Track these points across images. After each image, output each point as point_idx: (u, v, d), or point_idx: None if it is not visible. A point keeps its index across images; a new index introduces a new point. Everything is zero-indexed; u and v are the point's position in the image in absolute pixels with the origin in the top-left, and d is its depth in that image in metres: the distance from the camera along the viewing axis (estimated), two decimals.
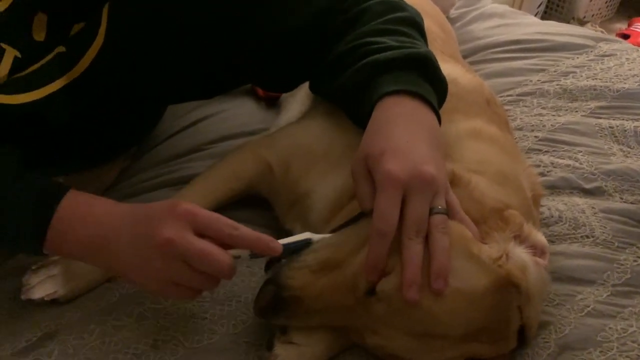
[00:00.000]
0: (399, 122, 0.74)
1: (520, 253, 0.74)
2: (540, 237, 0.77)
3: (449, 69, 1.02)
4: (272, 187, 0.97)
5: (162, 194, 1.04)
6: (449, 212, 0.72)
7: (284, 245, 0.72)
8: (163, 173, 1.11)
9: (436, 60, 0.83)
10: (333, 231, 0.77)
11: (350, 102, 0.87)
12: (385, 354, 0.73)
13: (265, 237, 0.71)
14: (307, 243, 0.74)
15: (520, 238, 0.75)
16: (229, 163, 1.00)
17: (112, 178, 1.12)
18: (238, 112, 1.30)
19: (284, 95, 1.32)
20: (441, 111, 0.81)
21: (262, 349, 0.76)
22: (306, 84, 1.17)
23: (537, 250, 0.75)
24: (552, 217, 0.99)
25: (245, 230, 0.70)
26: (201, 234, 0.69)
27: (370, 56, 0.82)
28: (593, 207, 1.00)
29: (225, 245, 0.70)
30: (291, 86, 1.06)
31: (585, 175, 1.07)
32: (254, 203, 1.01)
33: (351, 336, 0.75)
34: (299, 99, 1.25)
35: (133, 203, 0.76)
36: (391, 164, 0.69)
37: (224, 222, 0.70)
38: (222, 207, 0.98)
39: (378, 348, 0.73)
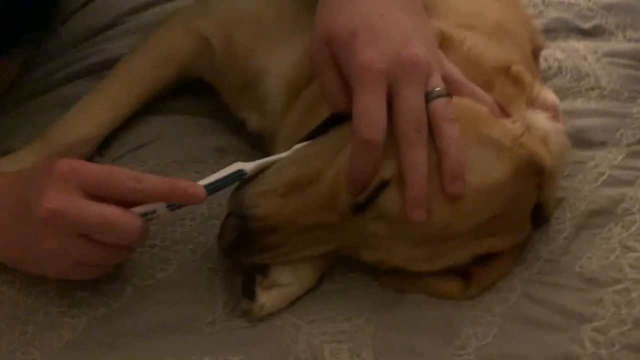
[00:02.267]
0: None
1: (540, 121, 0.61)
2: (550, 94, 0.64)
3: None
4: (213, 68, 0.79)
5: (79, 87, 0.86)
6: (452, 88, 0.57)
7: (209, 185, 0.57)
8: (75, 59, 0.92)
9: None
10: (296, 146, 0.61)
11: None
12: (385, 267, 0.61)
13: (182, 183, 0.55)
14: (239, 176, 0.58)
15: (531, 100, 0.62)
16: (156, 42, 0.82)
17: (12, 75, 0.93)
18: None
19: None
20: None
21: (238, 297, 0.62)
22: None
23: (549, 112, 0.63)
24: (550, 68, 0.85)
25: (151, 180, 0.54)
26: (95, 196, 0.53)
27: None
28: (595, 52, 0.87)
29: (128, 204, 0.54)
30: None
31: (582, 12, 0.93)
32: (194, 89, 0.83)
33: (340, 252, 0.62)
34: None
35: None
36: (367, 52, 0.54)
37: (122, 175, 0.54)
38: (155, 98, 0.81)
39: (377, 263, 0.61)
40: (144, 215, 0.56)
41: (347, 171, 0.55)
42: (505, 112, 0.61)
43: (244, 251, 0.58)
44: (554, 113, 0.63)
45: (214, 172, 0.75)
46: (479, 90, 0.60)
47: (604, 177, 0.72)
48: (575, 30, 0.90)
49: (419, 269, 0.60)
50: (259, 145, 0.79)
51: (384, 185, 0.55)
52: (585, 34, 0.90)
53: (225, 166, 0.75)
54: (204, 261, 0.66)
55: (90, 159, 0.75)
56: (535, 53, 0.77)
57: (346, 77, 0.56)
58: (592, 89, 0.82)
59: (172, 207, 0.56)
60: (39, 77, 0.91)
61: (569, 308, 0.61)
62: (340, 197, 0.57)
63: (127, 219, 0.53)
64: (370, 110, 0.53)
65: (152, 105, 0.81)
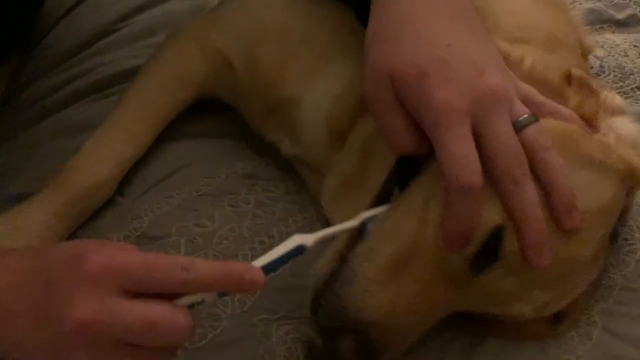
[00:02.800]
0: (425, 11, 0.52)
1: (624, 126, 0.57)
2: (616, 97, 0.60)
3: None
4: (235, 88, 0.72)
5: (85, 108, 0.78)
6: (532, 110, 0.52)
7: (267, 266, 0.47)
8: (73, 76, 0.83)
9: None
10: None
11: None
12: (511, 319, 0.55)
13: (237, 268, 0.46)
14: (299, 251, 0.49)
15: (604, 106, 0.58)
16: (167, 63, 0.74)
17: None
18: None
19: None
20: None
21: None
22: None
23: (624, 114, 0.60)
24: (592, 67, 0.79)
25: (202, 267, 0.44)
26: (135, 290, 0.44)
27: None
28: (636, 46, 0.82)
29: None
30: None
31: (615, 1, 0.88)
32: (205, 108, 0.75)
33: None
34: None
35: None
36: (443, 91, 0.48)
37: (167, 266, 0.44)
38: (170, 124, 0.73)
39: (516, 318, 0.55)
40: (191, 306, 0.46)
41: (443, 226, 0.49)
42: (589, 124, 0.56)
43: None
44: (625, 115, 0.59)
45: (247, 203, 0.71)
46: (560, 108, 0.55)
47: None
48: (609, 22, 0.86)
49: (549, 313, 0.55)
50: (289, 169, 0.73)
51: (497, 232, 0.50)
52: (620, 24, 0.86)
53: (258, 195, 0.71)
54: (256, 312, 0.60)
55: (110, 200, 0.68)
56: (585, 56, 0.72)
57: (419, 120, 0.50)
58: (639, 88, 0.78)
59: (223, 295, 0.47)
60: (30, 100, 0.82)
61: None
62: (452, 258, 0.51)
63: (174, 316, 0.43)
64: (462, 153, 0.48)
65: (165, 131, 0.73)
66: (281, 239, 0.64)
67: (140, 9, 0.90)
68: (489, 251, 0.50)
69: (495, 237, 0.50)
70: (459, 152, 0.48)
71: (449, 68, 0.49)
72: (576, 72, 0.59)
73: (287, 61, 0.67)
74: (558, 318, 0.57)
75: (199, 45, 0.72)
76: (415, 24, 0.52)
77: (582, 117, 0.56)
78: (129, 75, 0.78)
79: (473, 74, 0.50)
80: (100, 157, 0.68)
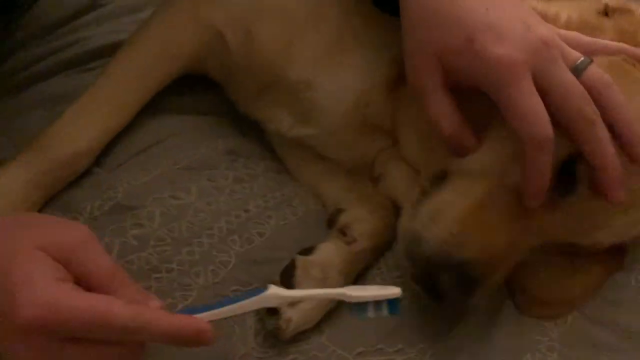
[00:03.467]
0: None
1: None
2: None
3: None
4: (225, 66, 0.70)
5: (64, 81, 0.77)
6: (584, 51, 0.53)
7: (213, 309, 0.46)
8: (56, 48, 0.81)
9: None
10: None
11: None
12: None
13: (189, 323, 0.44)
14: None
15: None
16: (157, 35, 0.71)
17: None
18: None
19: None
20: None
21: (264, 318, 0.56)
22: None
23: None
24: None
25: (149, 316, 0.43)
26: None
27: None
28: None
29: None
30: None
31: None
32: (190, 83, 0.74)
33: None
34: None
35: None
36: (498, 48, 0.50)
37: (109, 317, 0.42)
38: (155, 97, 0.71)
39: (595, 247, 0.57)
40: None
41: (526, 182, 0.51)
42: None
43: (473, 297, 0.52)
44: None
45: (225, 178, 0.70)
46: (607, 42, 0.56)
47: None
48: None
49: (628, 238, 0.57)
50: (271, 149, 0.73)
51: (572, 162, 0.52)
52: None
53: (237, 171, 0.70)
54: (227, 284, 0.60)
55: (87, 170, 0.66)
56: None
57: (478, 84, 0.51)
58: None
59: None
60: (12, 69, 0.80)
61: (627, 328, 0.58)
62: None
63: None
64: (532, 108, 0.49)
65: (150, 103, 0.72)
66: (258, 214, 0.66)
67: None
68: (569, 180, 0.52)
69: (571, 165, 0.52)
70: (529, 107, 0.49)
71: (496, 28, 0.50)
72: (611, 2, 0.59)
73: (292, 42, 0.65)
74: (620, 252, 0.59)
75: (191, 17, 0.70)
76: (448, 1, 0.52)
77: (627, 41, 0.57)
78: (112, 49, 0.76)
79: (520, 29, 0.50)
80: (82, 126, 0.66)
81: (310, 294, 0.51)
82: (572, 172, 0.52)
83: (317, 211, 0.68)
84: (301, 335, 0.57)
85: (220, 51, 0.69)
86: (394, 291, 0.47)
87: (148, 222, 0.63)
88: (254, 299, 0.46)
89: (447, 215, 0.52)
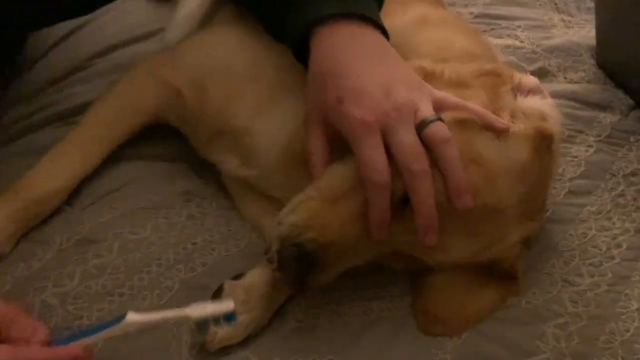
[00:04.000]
0: (344, 55, 0.65)
1: (533, 103, 0.68)
2: (530, 78, 0.71)
3: None
4: (183, 117, 0.81)
5: (48, 134, 0.88)
6: (447, 109, 0.64)
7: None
8: (43, 106, 0.94)
9: None
10: None
11: (266, 19, 0.74)
12: (446, 266, 0.67)
13: (64, 351, 0.57)
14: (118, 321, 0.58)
15: (516, 88, 0.69)
16: (124, 92, 0.83)
17: None
18: (124, 11, 1.10)
19: None
20: None
21: (194, 333, 0.66)
22: None
23: (536, 93, 0.70)
24: None
25: (27, 354, 0.56)
26: None
27: None
28: None
29: None
30: None
31: (528, 55, 0.99)
32: (159, 132, 0.85)
33: (395, 263, 0.68)
34: None
35: None
36: (356, 111, 0.61)
37: None
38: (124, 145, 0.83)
39: (439, 266, 0.66)
40: None
41: (369, 218, 0.60)
42: (496, 106, 0.67)
43: (312, 276, 0.61)
44: (540, 92, 0.70)
45: (179, 216, 0.80)
46: (466, 103, 0.65)
47: (547, 214, 0.77)
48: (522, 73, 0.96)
49: (479, 259, 0.65)
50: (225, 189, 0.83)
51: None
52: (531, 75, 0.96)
53: (190, 210, 0.80)
54: (170, 306, 0.69)
55: (59, 209, 0.77)
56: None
57: (344, 138, 0.62)
58: None
59: None
60: (5, 125, 0.92)
61: (514, 343, 0.66)
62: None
63: None
64: (373, 158, 0.60)
65: (118, 151, 0.83)
66: (204, 246, 0.76)
67: (112, 49, 1.02)
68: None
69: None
70: (371, 158, 0.60)
71: (360, 93, 0.62)
72: (489, 65, 0.71)
73: (235, 96, 0.77)
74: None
75: (152, 77, 0.82)
76: (335, 66, 0.64)
77: (493, 101, 0.67)
78: None
79: (380, 94, 0.62)
80: (55, 171, 0.77)
81: (157, 317, 0.59)
82: None
83: (258, 244, 0.77)
84: (229, 349, 0.66)
85: (178, 104, 0.80)
86: (229, 305, 0.59)
87: (107, 253, 0.73)
88: (116, 326, 0.58)
89: (302, 206, 0.62)
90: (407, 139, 0.60)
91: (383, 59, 0.66)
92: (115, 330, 0.57)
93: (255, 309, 0.66)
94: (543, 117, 0.67)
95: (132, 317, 0.57)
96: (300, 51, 0.69)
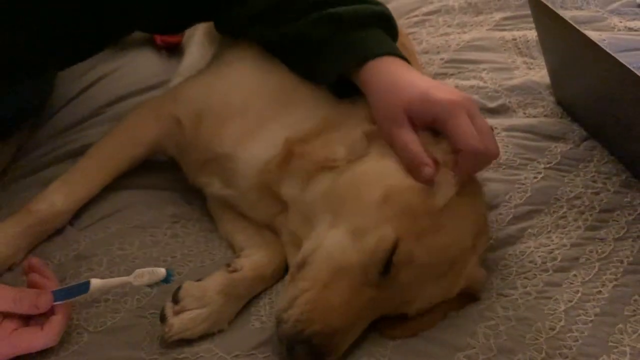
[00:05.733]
0: (409, 74, 0.79)
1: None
2: None
3: None
4: (179, 144, 0.92)
5: (64, 168, 0.99)
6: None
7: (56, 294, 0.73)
8: (62, 144, 1.06)
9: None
10: None
11: (303, 54, 0.86)
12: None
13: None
14: (85, 288, 0.73)
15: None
16: (127, 127, 0.95)
17: (6, 159, 1.06)
18: (137, 66, 1.25)
19: (184, 40, 1.25)
20: None
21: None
22: (204, 25, 1.13)
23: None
24: None
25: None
26: None
27: (328, 8, 0.83)
28: (496, 128, 1.00)
29: None
30: (182, 26, 1.02)
31: (490, 94, 1.07)
32: (156, 166, 0.97)
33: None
34: (197, 41, 1.19)
35: None
36: (443, 95, 0.74)
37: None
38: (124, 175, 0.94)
39: (419, 311, 0.73)
40: None
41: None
42: None
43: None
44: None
45: (164, 235, 0.90)
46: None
47: (491, 241, 0.84)
48: (483, 110, 1.04)
49: (447, 295, 0.74)
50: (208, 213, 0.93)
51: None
52: (492, 111, 1.04)
53: (175, 230, 0.91)
54: (147, 309, 0.79)
55: (61, 228, 0.89)
56: None
57: (434, 119, 0.74)
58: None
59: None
60: (31, 160, 1.05)
61: (447, 341, 0.73)
62: (371, 270, 0.69)
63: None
64: (470, 130, 0.72)
65: (117, 181, 0.94)
66: (182, 259, 0.86)
67: (125, 97, 1.16)
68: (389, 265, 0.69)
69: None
70: (469, 129, 0.72)
71: (437, 86, 0.77)
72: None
73: (224, 125, 0.87)
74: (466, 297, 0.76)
75: (154, 114, 0.93)
76: (399, 79, 0.77)
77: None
78: None
79: (449, 89, 0.77)
80: (61, 195, 0.88)
81: (109, 283, 0.74)
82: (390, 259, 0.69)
83: (230, 258, 0.86)
84: (195, 341, 0.74)
85: (177, 133, 0.91)
86: (162, 273, 0.72)
87: (97, 267, 0.84)
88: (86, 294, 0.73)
89: (299, 300, 0.69)
90: (485, 123, 0.74)
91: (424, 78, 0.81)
92: (84, 296, 0.72)
93: (211, 305, 0.75)
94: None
95: (95, 282, 0.73)
96: (342, 85, 0.82)
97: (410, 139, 0.74)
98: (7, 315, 0.70)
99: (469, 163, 0.73)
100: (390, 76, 0.78)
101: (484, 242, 0.78)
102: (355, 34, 0.82)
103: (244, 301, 0.79)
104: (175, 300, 0.75)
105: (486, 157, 0.73)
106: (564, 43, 0.95)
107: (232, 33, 0.95)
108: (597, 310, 0.74)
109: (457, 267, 0.72)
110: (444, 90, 0.75)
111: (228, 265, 0.80)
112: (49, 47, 0.86)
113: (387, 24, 0.85)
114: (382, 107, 0.77)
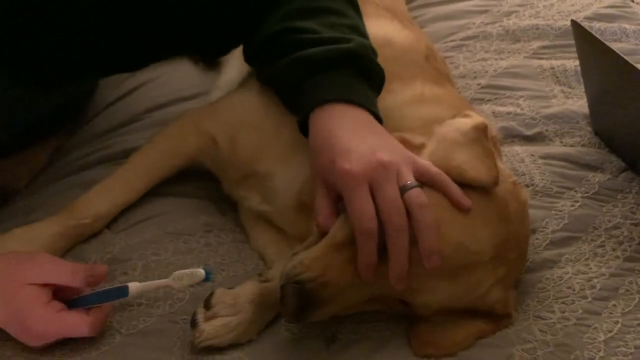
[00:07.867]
0: (339, 130, 0.74)
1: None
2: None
3: (384, 26, 1.00)
4: (217, 162, 0.94)
5: (100, 171, 1.01)
6: (428, 178, 0.71)
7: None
8: (99, 148, 1.08)
9: (369, 49, 0.82)
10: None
11: (283, 98, 0.87)
12: (432, 312, 0.73)
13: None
14: (123, 292, 0.75)
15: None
16: (169, 137, 0.96)
17: (44, 160, 1.07)
18: (175, 76, 1.26)
19: None
20: None
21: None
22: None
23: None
24: None
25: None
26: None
27: (300, 50, 0.81)
28: (532, 155, 1.00)
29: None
30: (223, 51, 1.03)
31: (527, 121, 1.07)
32: (193, 175, 0.97)
33: (387, 305, 0.75)
34: (237, 56, 1.19)
35: None
36: (345, 165, 0.69)
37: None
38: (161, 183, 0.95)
39: (424, 308, 0.72)
40: None
41: (358, 262, 0.68)
42: None
43: (306, 312, 0.69)
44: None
45: (198, 242, 0.91)
46: (445, 178, 0.72)
47: (528, 263, 0.84)
48: (519, 137, 1.04)
49: (460, 304, 0.73)
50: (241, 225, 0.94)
51: None
52: (527, 139, 1.03)
53: (209, 238, 0.92)
54: (179, 314, 0.79)
55: (99, 231, 0.90)
56: (494, 142, 0.84)
57: (338, 190, 0.71)
58: (527, 186, 0.95)
59: None
60: (68, 162, 1.06)
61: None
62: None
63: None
64: (361, 206, 0.67)
65: (155, 188, 0.95)
66: (215, 268, 0.86)
67: (162, 106, 1.17)
68: None
69: None
70: (360, 206, 0.67)
71: (350, 151, 0.71)
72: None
73: (261, 146, 0.89)
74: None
75: (194, 127, 0.95)
76: (328, 137, 0.74)
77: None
78: None
79: (368, 153, 0.70)
80: (102, 199, 0.90)
81: (148, 286, 0.77)
82: None
83: (262, 269, 0.86)
84: (226, 349, 0.75)
85: (213, 150, 0.93)
86: (201, 274, 0.75)
87: (131, 271, 0.85)
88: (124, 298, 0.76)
89: (307, 252, 0.71)
90: (391, 194, 0.68)
91: (371, 131, 0.75)
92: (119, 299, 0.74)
93: (242, 313, 0.75)
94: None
95: (134, 286, 0.74)
96: (305, 128, 0.79)
97: (320, 212, 0.73)
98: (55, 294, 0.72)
99: (360, 244, 0.68)
100: (322, 132, 0.75)
101: (514, 260, 0.75)
102: (320, 77, 0.79)
103: (275, 312, 0.79)
104: (207, 306, 0.75)
105: (391, 231, 0.67)
106: (605, 71, 0.95)
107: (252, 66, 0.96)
108: (638, 342, 0.73)
109: (470, 275, 0.71)
110: (359, 155, 0.70)
111: (260, 275, 0.81)
112: (98, 57, 0.89)
113: (356, 62, 0.80)
114: (311, 167, 0.76)
